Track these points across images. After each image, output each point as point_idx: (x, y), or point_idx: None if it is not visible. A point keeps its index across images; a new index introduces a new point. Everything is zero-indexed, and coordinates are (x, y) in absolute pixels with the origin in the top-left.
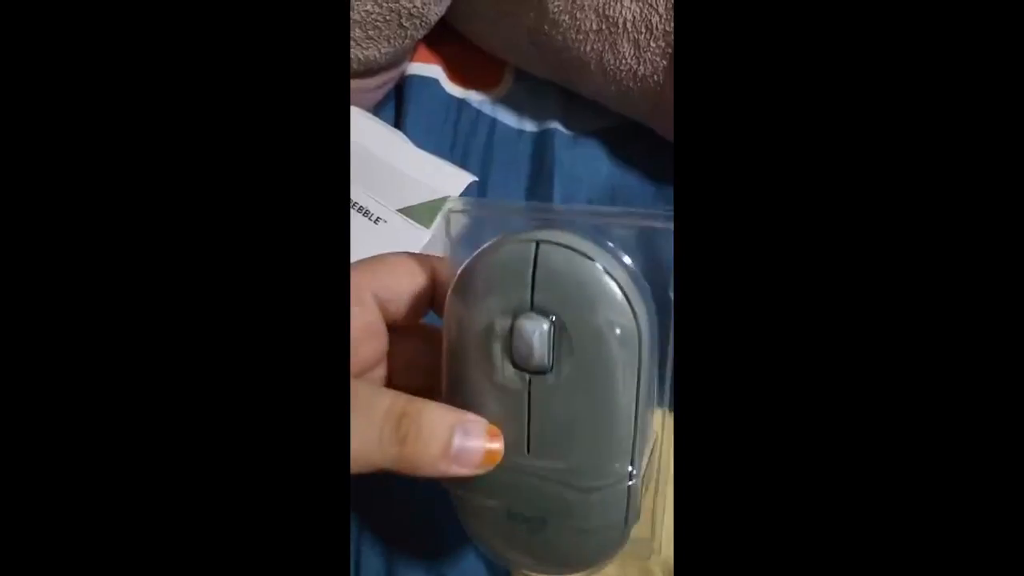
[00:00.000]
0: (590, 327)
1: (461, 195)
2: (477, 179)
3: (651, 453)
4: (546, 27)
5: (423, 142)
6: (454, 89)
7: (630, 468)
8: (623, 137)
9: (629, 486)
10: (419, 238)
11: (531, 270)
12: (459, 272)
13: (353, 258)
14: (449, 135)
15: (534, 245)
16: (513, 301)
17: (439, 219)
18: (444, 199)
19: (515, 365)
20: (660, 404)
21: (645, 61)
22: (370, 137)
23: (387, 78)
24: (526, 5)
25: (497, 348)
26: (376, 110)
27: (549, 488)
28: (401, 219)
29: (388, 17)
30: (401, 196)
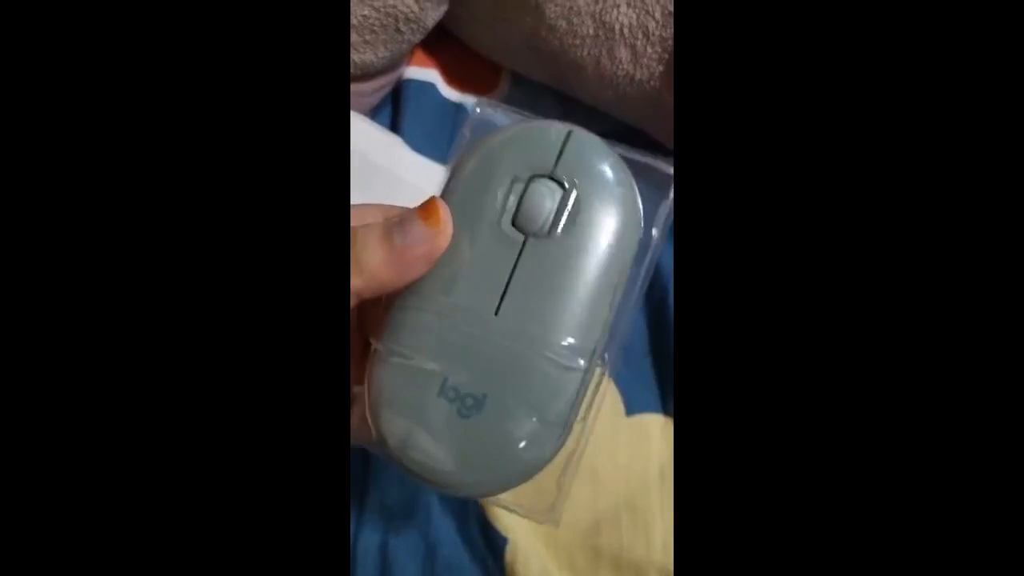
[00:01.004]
0: (599, 211)
1: None
2: None
3: (590, 408)
4: (543, 32)
5: (420, 146)
6: (451, 93)
7: (589, 359)
8: (620, 142)
9: (583, 374)
10: None
11: (561, 145)
12: (485, 137)
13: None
14: (446, 139)
15: (568, 130)
16: (535, 165)
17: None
18: None
19: (515, 225)
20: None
21: (641, 66)
22: (367, 141)
23: (384, 82)
24: (523, 10)
25: (502, 204)
26: (373, 114)
27: (500, 357)
28: None
29: (385, 22)
30: (398, 201)
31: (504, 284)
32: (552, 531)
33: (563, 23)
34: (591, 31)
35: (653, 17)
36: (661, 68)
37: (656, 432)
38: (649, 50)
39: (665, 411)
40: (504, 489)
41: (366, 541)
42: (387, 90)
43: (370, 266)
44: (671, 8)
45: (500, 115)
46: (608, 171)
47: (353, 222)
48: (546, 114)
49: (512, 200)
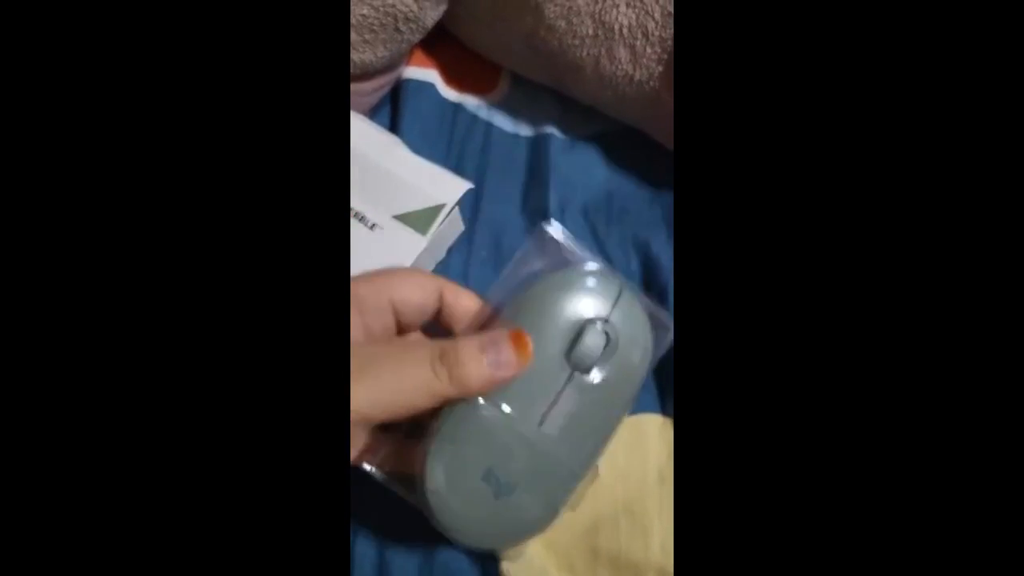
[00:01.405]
0: (632, 361)
1: (457, 203)
2: (473, 187)
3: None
4: (542, 32)
5: (419, 146)
6: (450, 93)
7: (592, 469)
8: (619, 142)
9: (585, 481)
10: (415, 245)
11: (616, 296)
12: (554, 274)
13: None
14: (445, 139)
15: (620, 285)
16: (594, 311)
17: (435, 227)
18: (440, 207)
19: (567, 356)
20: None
21: (641, 66)
22: (367, 141)
23: (383, 82)
24: (523, 10)
25: (562, 339)
26: (372, 114)
27: (534, 461)
28: (397, 225)
29: (384, 21)
30: (397, 202)
31: (549, 405)
32: (550, 533)
33: (562, 23)
34: (590, 31)
35: (652, 17)
36: (660, 68)
37: (654, 432)
38: (648, 50)
39: (663, 411)
40: (506, 548)
41: (363, 545)
42: (386, 90)
43: (464, 381)
44: (670, 8)
45: (562, 237)
46: (641, 330)
47: (395, 281)
48: (545, 115)
49: (568, 336)
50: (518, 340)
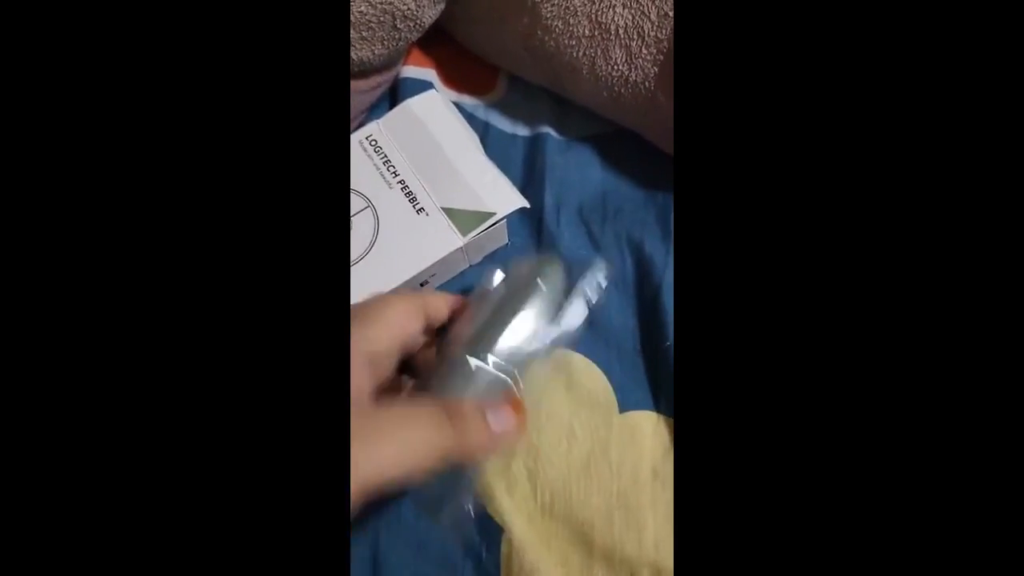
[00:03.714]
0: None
1: (506, 217)
2: (529, 205)
3: None
4: (539, 32)
5: None
6: (448, 93)
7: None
8: (614, 143)
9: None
10: (450, 242)
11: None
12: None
13: (388, 231)
14: None
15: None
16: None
17: (476, 231)
18: (489, 214)
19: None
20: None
21: (637, 67)
22: (446, 130)
23: (381, 80)
24: (520, 10)
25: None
26: (370, 111)
27: None
28: (442, 217)
29: (382, 19)
30: (450, 195)
31: None
32: (546, 527)
33: (559, 23)
34: (587, 31)
35: (648, 18)
36: (655, 70)
37: (648, 429)
38: (644, 51)
39: (657, 408)
40: None
41: (357, 531)
42: (384, 87)
43: (471, 446)
44: (666, 9)
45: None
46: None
47: (401, 310)
48: (541, 115)
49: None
50: (516, 405)
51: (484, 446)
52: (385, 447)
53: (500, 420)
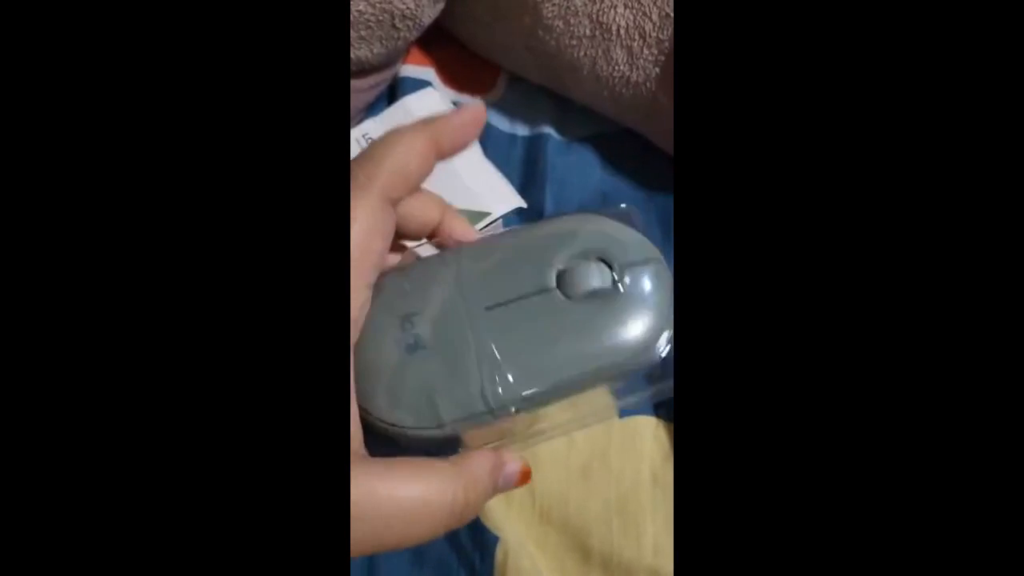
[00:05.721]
0: (632, 331)
1: (503, 217)
2: (526, 206)
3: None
4: (540, 32)
5: None
6: (447, 92)
7: (514, 404)
8: (615, 144)
9: (498, 414)
10: None
11: (645, 258)
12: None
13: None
14: None
15: (656, 253)
16: (614, 256)
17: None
18: (484, 214)
19: (559, 278)
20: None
21: (638, 68)
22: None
23: (380, 79)
24: (520, 9)
25: (557, 256)
26: (369, 110)
27: (459, 329)
28: None
29: (381, 18)
30: (446, 194)
31: (509, 298)
32: (543, 532)
33: (560, 23)
34: (588, 31)
35: (650, 18)
36: (657, 70)
37: (648, 434)
38: (645, 52)
39: (657, 413)
40: (405, 426)
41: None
42: (383, 87)
43: (477, 505)
44: (667, 10)
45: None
46: (657, 306)
47: (409, 201)
48: (542, 115)
49: (570, 259)
50: (525, 475)
51: (485, 501)
52: (386, 535)
53: (508, 485)
